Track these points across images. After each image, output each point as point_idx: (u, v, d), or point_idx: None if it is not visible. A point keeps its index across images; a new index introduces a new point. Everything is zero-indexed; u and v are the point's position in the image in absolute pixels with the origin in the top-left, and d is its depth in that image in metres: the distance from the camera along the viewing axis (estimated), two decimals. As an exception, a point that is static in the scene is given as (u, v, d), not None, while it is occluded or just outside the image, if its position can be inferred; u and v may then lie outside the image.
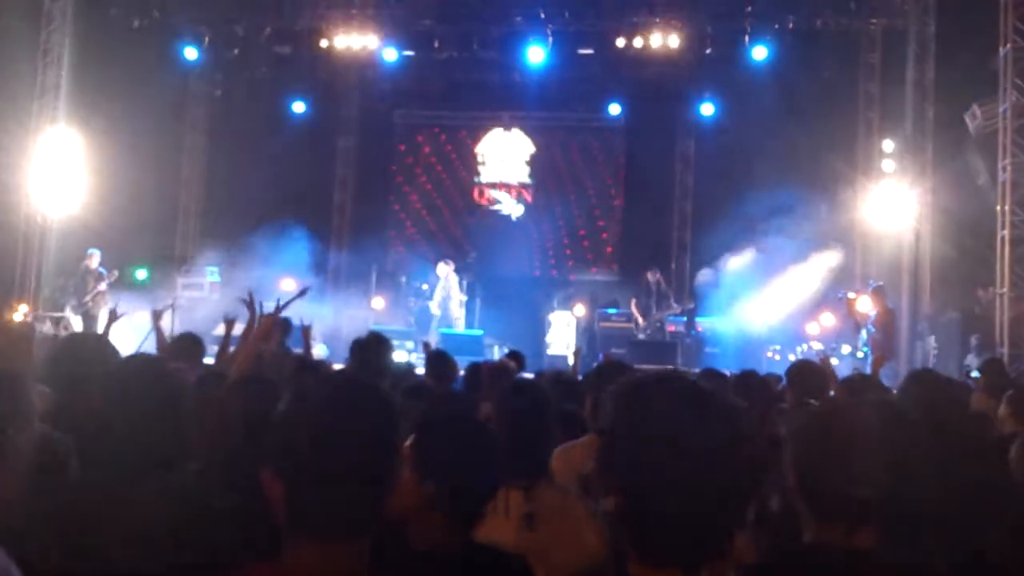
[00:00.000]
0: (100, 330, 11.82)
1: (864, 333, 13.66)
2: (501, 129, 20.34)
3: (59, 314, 15.19)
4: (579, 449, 3.61)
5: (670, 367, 13.72)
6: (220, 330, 15.71)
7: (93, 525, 2.30)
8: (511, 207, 20.39)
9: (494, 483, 2.50)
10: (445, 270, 16.61)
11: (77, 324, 14.72)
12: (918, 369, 5.40)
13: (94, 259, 15.14)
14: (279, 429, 1.67)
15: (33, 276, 17.02)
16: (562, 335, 16.71)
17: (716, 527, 1.50)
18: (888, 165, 16.32)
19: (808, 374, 4.86)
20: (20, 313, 15.63)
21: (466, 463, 2.35)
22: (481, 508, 2.40)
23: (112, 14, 17.65)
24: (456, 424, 2.56)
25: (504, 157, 20.43)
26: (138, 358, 2.89)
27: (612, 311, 16.93)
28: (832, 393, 4.85)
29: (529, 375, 7.18)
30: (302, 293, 5.76)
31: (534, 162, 20.34)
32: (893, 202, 15.83)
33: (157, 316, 6.81)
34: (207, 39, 18.47)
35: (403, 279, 18.17)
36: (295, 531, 1.64)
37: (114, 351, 3.93)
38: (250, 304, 7.00)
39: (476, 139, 20.65)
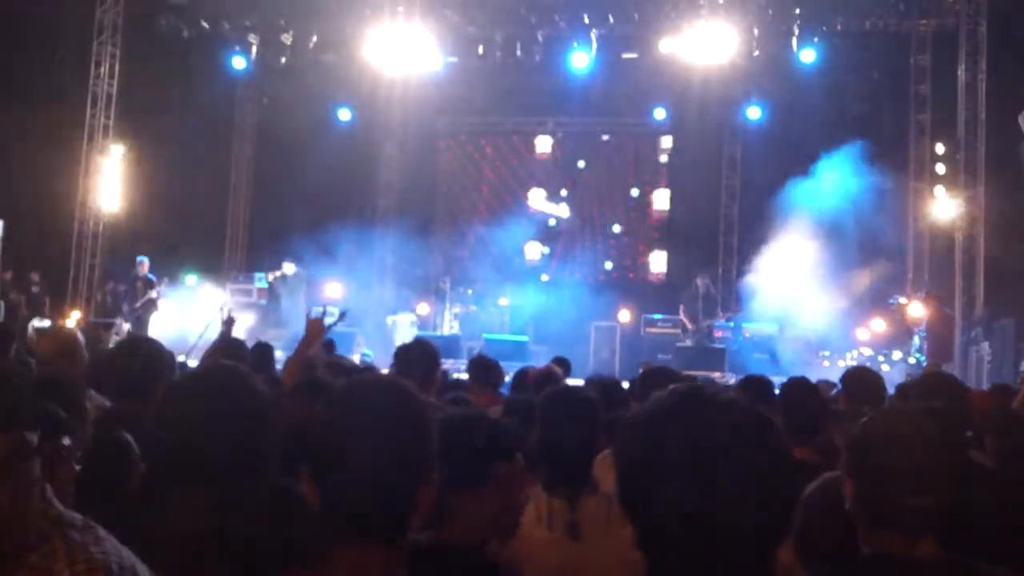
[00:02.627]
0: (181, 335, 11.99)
1: (916, 339, 13.46)
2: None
3: (111, 320, 15.43)
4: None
5: (716, 374, 13.61)
6: (273, 334, 15.84)
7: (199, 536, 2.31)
8: (556, 210, 20.36)
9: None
10: (292, 269, 16.21)
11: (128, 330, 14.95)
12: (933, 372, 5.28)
13: (144, 266, 15.37)
14: (312, 432, 1.67)
15: (85, 283, 17.32)
16: (607, 341, 16.62)
17: (747, 551, 1.39)
18: (940, 168, 16.04)
19: (864, 381, 4.75)
20: (73, 319, 15.90)
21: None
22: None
23: (161, 25, 17.92)
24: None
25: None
26: (224, 366, 2.86)
27: (658, 317, 16.80)
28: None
29: (579, 381, 7.15)
30: (342, 317, 5.80)
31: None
32: (945, 206, 15.57)
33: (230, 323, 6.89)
34: (255, 48, 18.69)
35: (446, 284, 18.20)
36: (331, 534, 1.63)
37: (170, 356, 3.96)
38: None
39: (520, 145, 20.69)
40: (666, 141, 19.97)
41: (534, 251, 20.35)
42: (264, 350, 6.75)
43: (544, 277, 20.03)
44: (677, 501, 1.37)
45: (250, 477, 2.44)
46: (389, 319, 17.47)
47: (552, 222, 20.38)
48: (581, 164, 20.41)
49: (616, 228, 20.22)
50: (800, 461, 3.37)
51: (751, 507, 1.36)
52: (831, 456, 3.50)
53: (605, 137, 20.37)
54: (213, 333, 13.34)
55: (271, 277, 16.21)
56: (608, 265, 20.19)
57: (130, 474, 2.84)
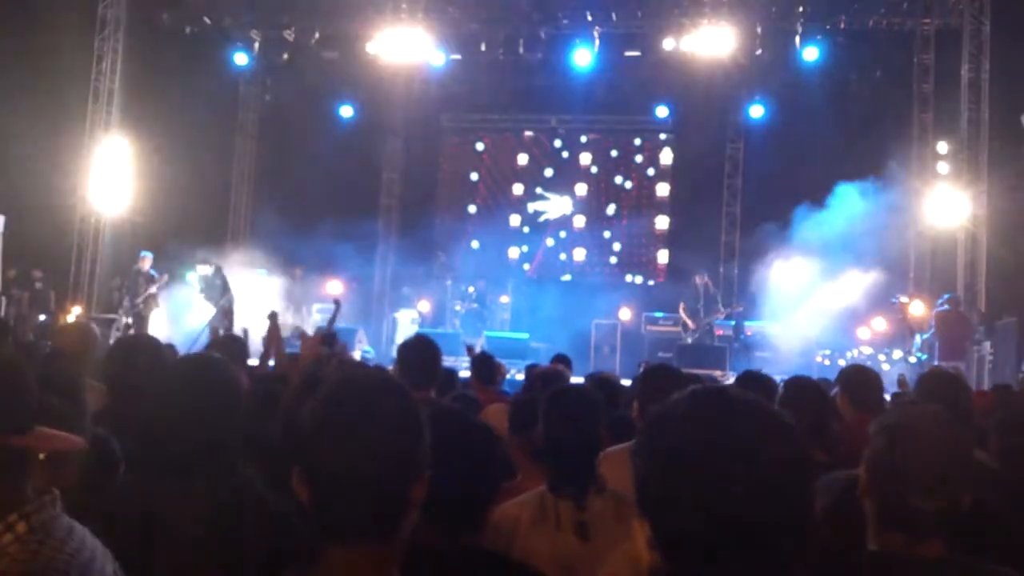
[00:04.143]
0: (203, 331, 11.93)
1: (918, 338, 13.43)
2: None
3: (112, 315, 15.43)
4: (628, 453, 3.55)
5: (718, 372, 13.60)
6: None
7: (144, 524, 2.30)
8: (557, 208, 20.36)
9: (491, 488, 2.44)
10: (207, 269, 15.75)
11: (128, 326, 14.95)
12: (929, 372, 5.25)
13: (146, 262, 15.35)
14: (303, 430, 1.65)
15: (87, 278, 17.33)
16: (608, 338, 16.60)
17: (768, 552, 1.37)
18: (942, 167, 16.02)
19: (863, 380, 4.72)
20: (74, 314, 15.91)
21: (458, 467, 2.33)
22: (477, 513, 2.36)
23: (164, 21, 17.92)
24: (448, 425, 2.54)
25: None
26: (196, 358, 2.87)
27: (659, 315, 16.80)
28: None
29: (578, 379, 7.15)
30: (337, 306, 5.70)
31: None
32: (948, 204, 15.55)
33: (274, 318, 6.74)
34: (257, 45, 18.68)
35: (448, 282, 18.20)
36: (323, 533, 1.61)
37: (170, 352, 3.96)
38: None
39: (522, 142, 20.69)
40: (669, 139, 19.95)
41: (532, 247, 20.36)
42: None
43: (527, 270, 20.05)
44: (698, 502, 1.35)
45: (212, 467, 2.43)
46: (390, 316, 17.48)
47: (546, 217, 20.37)
48: (583, 161, 20.39)
49: (618, 225, 20.18)
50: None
51: (773, 509, 1.35)
52: (836, 454, 3.49)
53: (607, 135, 20.36)
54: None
55: (192, 276, 15.91)
56: (609, 262, 20.17)
57: (112, 470, 2.84)
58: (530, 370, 7.01)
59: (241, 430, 2.56)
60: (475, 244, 20.20)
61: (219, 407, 2.51)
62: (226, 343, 5.68)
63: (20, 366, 1.76)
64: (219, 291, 15.27)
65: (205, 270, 15.64)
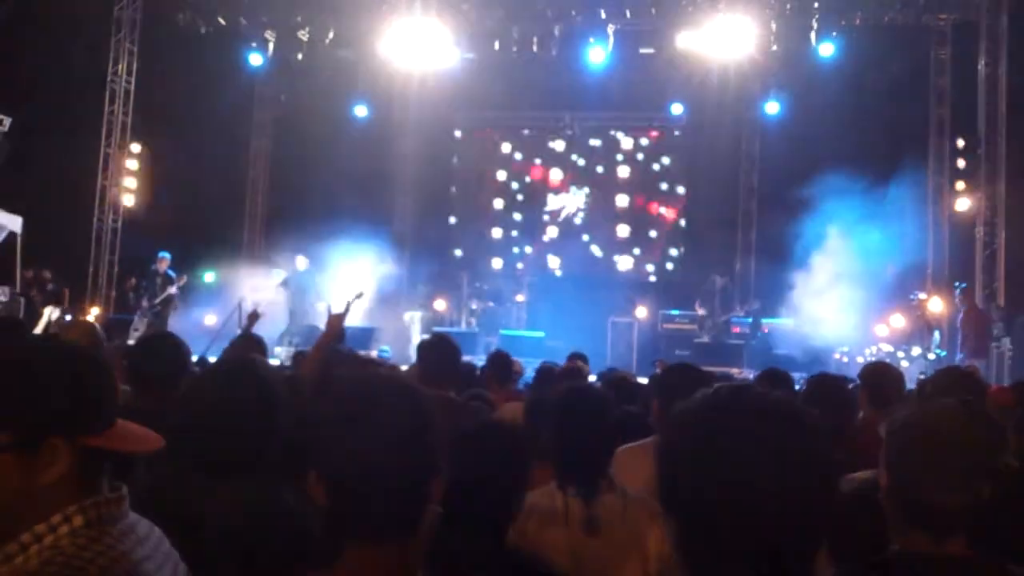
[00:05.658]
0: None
1: (937, 335, 13.34)
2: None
3: (130, 316, 15.50)
4: (644, 450, 3.54)
5: (734, 370, 13.56)
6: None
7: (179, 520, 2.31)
8: (572, 204, 20.33)
9: (519, 491, 2.48)
10: (304, 263, 16.00)
11: (147, 326, 15.01)
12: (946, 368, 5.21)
13: (164, 263, 15.40)
14: (317, 430, 1.65)
15: (104, 279, 17.42)
16: (624, 336, 16.57)
17: (793, 554, 1.37)
18: (960, 162, 15.92)
19: (884, 377, 4.70)
20: (92, 316, 16.00)
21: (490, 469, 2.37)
22: (505, 515, 2.39)
23: (179, 21, 18.00)
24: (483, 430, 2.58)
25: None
26: (238, 361, 2.84)
27: (675, 312, 16.76)
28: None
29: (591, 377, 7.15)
30: (358, 296, 5.71)
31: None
32: (966, 200, 15.45)
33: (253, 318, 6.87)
34: (272, 45, 18.72)
35: (464, 280, 18.19)
36: (340, 533, 1.61)
37: (187, 352, 3.97)
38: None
39: (536, 140, 20.67)
40: (684, 136, 19.89)
41: (550, 246, 20.35)
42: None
43: (560, 271, 20.03)
44: (722, 501, 1.35)
45: (247, 470, 2.43)
46: (407, 315, 17.50)
47: (567, 213, 20.36)
48: (597, 158, 20.34)
49: (634, 223, 20.14)
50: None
51: (798, 509, 1.35)
52: (855, 454, 3.47)
53: (622, 132, 20.31)
54: (230, 328, 13.39)
55: (303, 264, 16.21)
56: (625, 260, 20.12)
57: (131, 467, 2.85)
58: (544, 369, 6.98)
59: (281, 437, 2.54)
60: (491, 245, 20.19)
61: (262, 413, 2.51)
62: (245, 347, 5.67)
63: (104, 361, 1.74)
64: (314, 289, 15.55)
65: (302, 264, 15.85)
